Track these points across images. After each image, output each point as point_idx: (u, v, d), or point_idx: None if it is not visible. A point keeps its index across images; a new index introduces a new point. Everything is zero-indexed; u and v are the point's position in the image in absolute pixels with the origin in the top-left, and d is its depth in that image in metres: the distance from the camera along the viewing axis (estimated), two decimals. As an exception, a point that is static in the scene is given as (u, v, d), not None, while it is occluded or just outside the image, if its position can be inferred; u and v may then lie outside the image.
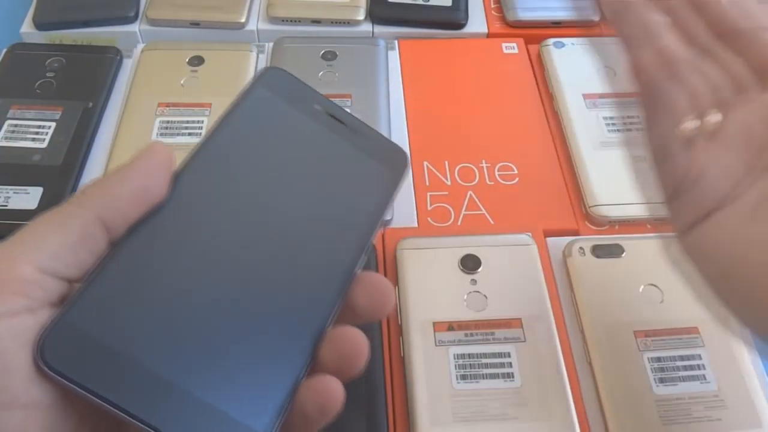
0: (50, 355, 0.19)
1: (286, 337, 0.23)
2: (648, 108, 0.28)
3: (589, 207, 0.41)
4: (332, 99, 0.47)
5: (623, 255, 0.38)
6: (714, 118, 0.26)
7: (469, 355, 0.34)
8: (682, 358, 0.34)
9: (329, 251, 0.25)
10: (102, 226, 0.22)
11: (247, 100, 0.26)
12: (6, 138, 0.43)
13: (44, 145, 0.42)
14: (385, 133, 0.44)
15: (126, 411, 0.19)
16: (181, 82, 0.47)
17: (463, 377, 0.33)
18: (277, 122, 0.26)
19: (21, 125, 0.43)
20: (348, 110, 0.45)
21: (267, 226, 0.24)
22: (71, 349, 0.20)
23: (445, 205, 0.41)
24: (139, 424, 0.19)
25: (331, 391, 0.22)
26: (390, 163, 0.27)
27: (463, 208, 0.41)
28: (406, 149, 0.44)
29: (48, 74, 0.47)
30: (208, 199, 0.24)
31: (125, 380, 0.20)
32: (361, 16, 0.52)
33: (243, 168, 0.25)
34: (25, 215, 0.39)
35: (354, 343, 0.23)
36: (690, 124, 0.26)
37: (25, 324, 0.20)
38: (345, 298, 0.24)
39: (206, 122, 0.44)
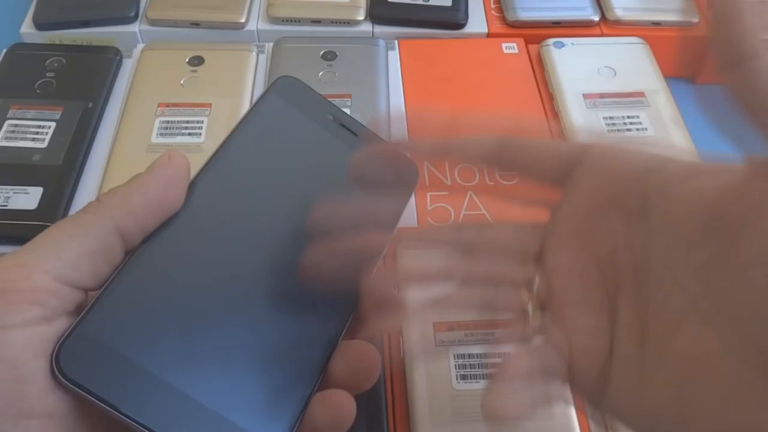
0: (66, 364, 0.19)
1: (298, 350, 0.23)
2: None
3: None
4: (332, 99, 0.47)
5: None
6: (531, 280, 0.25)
7: (469, 355, 0.34)
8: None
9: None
10: (119, 236, 0.22)
11: (261, 109, 0.26)
12: (6, 138, 0.43)
13: (44, 145, 0.42)
14: (384, 134, 0.44)
15: (141, 423, 0.19)
16: (181, 82, 0.47)
17: (463, 377, 0.33)
18: (291, 132, 0.27)
19: (21, 125, 0.43)
20: (348, 110, 0.45)
21: (281, 239, 0.24)
22: (87, 360, 0.20)
23: (445, 205, 0.41)
24: None
25: (343, 405, 0.22)
26: (401, 176, 0.27)
27: (463, 208, 0.41)
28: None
29: (48, 74, 0.47)
30: (223, 210, 0.24)
31: (141, 392, 0.20)
32: (361, 16, 0.52)
33: (257, 179, 0.25)
34: (25, 215, 0.39)
35: (366, 356, 0.23)
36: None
37: (41, 334, 0.20)
38: (358, 310, 0.24)
39: (206, 122, 0.44)
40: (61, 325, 0.20)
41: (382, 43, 0.50)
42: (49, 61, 0.47)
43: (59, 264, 0.20)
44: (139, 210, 0.22)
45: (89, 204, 0.22)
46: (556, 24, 0.53)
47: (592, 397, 0.23)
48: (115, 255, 0.22)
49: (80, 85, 0.46)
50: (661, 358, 0.21)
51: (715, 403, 0.20)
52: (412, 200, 0.42)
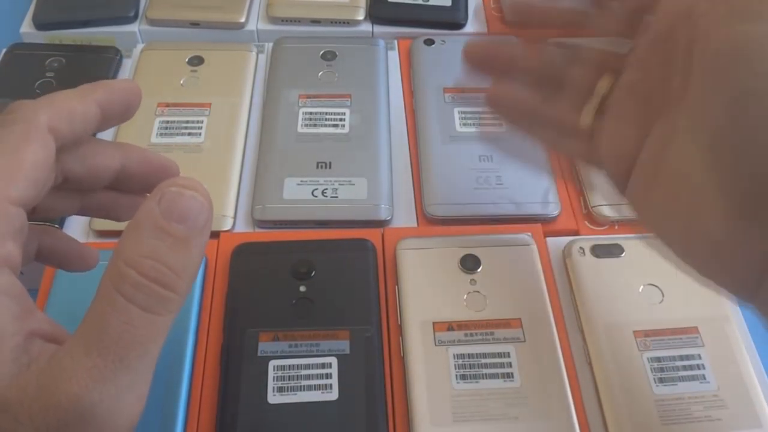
0: None
1: None
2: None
3: (592, 207, 0.41)
4: (332, 99, 0.47)
5: (623, 255, 0.38)
6: (603, 82, 0.28)
7: (468, 355, 0.34)
8: (681, 358, 0.34)
9: None
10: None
11: None
12: (6, 138, 0.43)
13: (44, 145, 0.42)
14: (384, 134, 0.44)
15: None
16: (181, 82, 0.47)
17: (463, 377, 0.33)
18: None
19: (21, 125, 0.43)
20: (347, 110, 0.45)
21: None
22: None
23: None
24: None
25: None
26: None
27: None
28: (406, 149, 0.45)
29: (48, 74, 0.47)
30: None
31: None
32: (361, 16, 0.52)
33: None
34: (25, 215, 0.39)
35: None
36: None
37: None
38: None
39: (206, 122, 0.44)
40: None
41: (382, 43, 0.50)
42: (49, 61, 0.47)
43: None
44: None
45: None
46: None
47: (618, 185, 0.27)
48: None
49: (80, 85, 0.46)
50: (660, 171, 0.25)
51: (686, 217, 0.23)
52: (412, 199, 0.42)
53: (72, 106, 0.23)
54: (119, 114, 0.25)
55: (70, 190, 0.26)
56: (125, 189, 0.27)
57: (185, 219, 0.21)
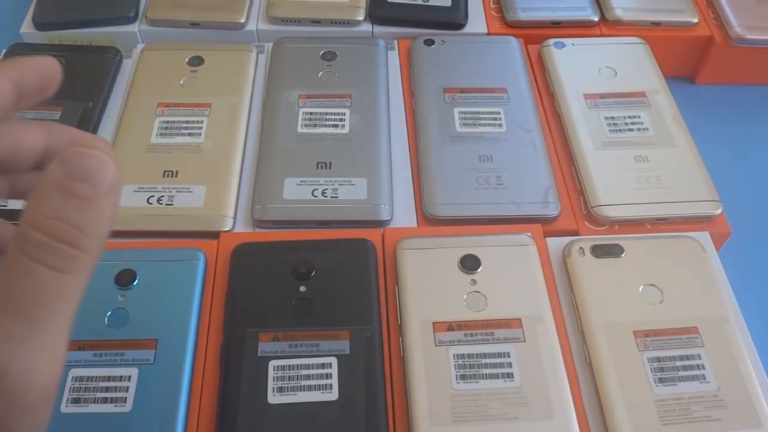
0: None
1: None
2: None
3: (592, 207, 0.41)
4: (332, 99, 0.47)
5: (623, 255, 0.38)
6: None
7: (468, 355, 0.34)
8: (681, 358, 0.34)
9: None
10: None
11: None
12: (6, 138, 0.43)
13: (44, 145, 0.42)
14: (384, 134, 0.44)
15: None
16: (181, 82, 0.47)
17: (463, 377, 0.33)
18: None
19: (21, 125, 0.43)
20: (347, 110, 0.45)
21: None
22: None
23: (445, 205, 0.41)
24: None
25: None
26: None
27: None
28: (406, 149, 0.45)
29: (48, 74, 0.47)
30: None
31: None
32: (361, 16, 0.52)
33: None
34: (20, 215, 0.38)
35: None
36: None
37: None
38: None
39: (206, 122, 0.44)
40: None
41: (382, 43, 0.50)
42: (49, 61, 0.47)
43: None
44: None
45: None
46: (556, 24, 0.53)
47: None
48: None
49: (80, 85, 0.46)
50: None
51: None
52: (412, 199, 0.42)
53: None
54: (35, 91, 0.25)
55: None
56: None
57: (89, 178, 0.21)
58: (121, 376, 0.32)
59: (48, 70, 0.25)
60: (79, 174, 0.21)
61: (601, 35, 0.53)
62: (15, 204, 0.39)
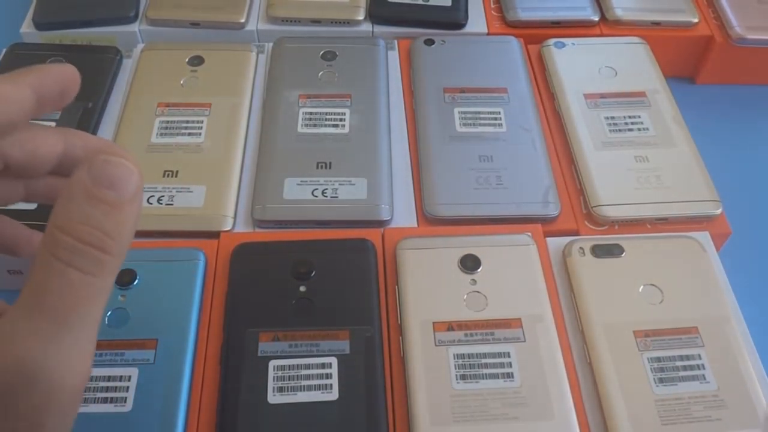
0: None
1: None
2: None
3: (592, 207, 0.41)
4: (332, 99, 0.47)
5: (623, 255, 0.38)
6: None
7: (468, 355, 0.34)
8: (681, 358, 0.34)
9: None
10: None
11: None
12: (6, 138, 0.43)
13: (44, 145, 0.42)
14: (384, 134, 0.44)
15: None
16: (181, 82, 0.47)
17: (463, 377, 0.33)
18: None
19: (21, 125, 0.43)
20: (347, 110, 0.45)
21: None
22: None
23: (445, 205, 0.41)
24: None
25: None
26: None
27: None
28: (406, 149, 0.45)
29: (48, 74, 0.47)
30: None
31: None
32: (361, 16, 0.52)
33: None
34: (26, 215, 0.38)
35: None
36: None
37: None
38: None
39: (206, 122, 0.44)
40: None
41: (382, 43, 0.50)
42: (48, 61, 0.47)
43: None
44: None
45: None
46: (556, 24, 0.53)
47: None
48: None
49: (80, 85, 0.46)
50: None
51: None
52: (412, 199, 0.42)
53: (5, 90, 0.24)
54: (54, 99, 0.25)
55: (13, 177, 0.26)
56: (70, 174, 0.28)
57: (115, 185, 0.22)
58: (121, 376, 0.32)
59: (67, 77, 0.26)
60: (106, 181, 0.22)
61: (601, 35, 0.53)
62: (22, 204, 0.39)
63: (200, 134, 0.44)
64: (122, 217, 0.22)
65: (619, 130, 0.45)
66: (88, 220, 0.21)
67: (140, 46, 0.50)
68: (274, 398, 0.32)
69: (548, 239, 0.39)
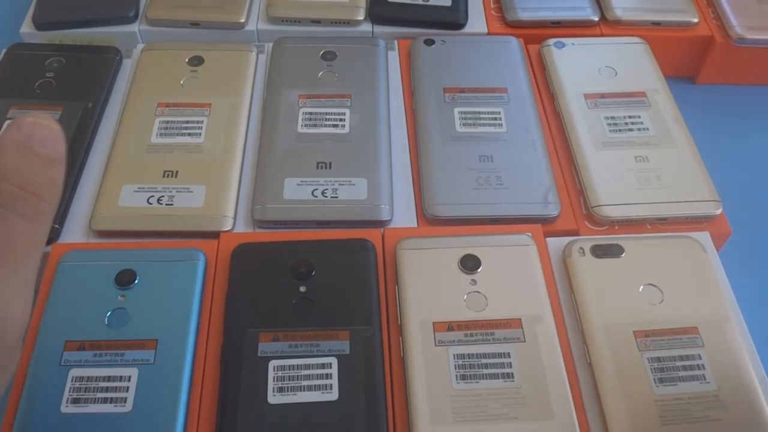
0: None
1: None
2: None
3: (592, 207, 0.41)
4: (332, 99, 0.47)
5: (623, 255, 0.38)
6: None
7: (468, 355, 0.34)
8: (681, 358, 0.34)
9: None
10: None
11: None
12: (6, 138, 0.43)
13: (44, 145, 0.42)
14: (384, 134, 0.44)
15: None
16: (181, 82, 0.47)
17: (463, 377, 0.33)
18: None
19: (21, 125, 0.43)
20: (347, 110, 0.45)
21: None
22: None
23: (445, 205, 0.41)
24: None
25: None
26: None
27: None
28: (406, 149, 0.45)
29: (48, 74, 0.47)
30: None
31: None
32: (361, 16, 0.52)
33: None
34: None
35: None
36: None
37: None
38: None
39: (206, 122, 0.44)
40: None
41: (382, 43, 0.50)
42: (48, 61, 0.47)
43: None
44: None
45: None
46: (556, 24, 0.53)
47: None
48: None
49: (80, 85, 0.46)
50: None
51: None
52: (412, 199, 0.42)
53: None
54: None
55: None
56: None
57: (46, 144, 0.23)
58: (121, 376, 0.32)
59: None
60: (37, 139, 0.23)
61: (601, 35, 0.53)
62: None
63: (200, 134, 0.44)
64: (54, 173, 0.23)
65: (619, 130, 0.45)
66: (24, 169, 0.22)
67: (140, 46, 0.50)
68: (274, 398, 0.32)
69: (548, 239, 0.39)
